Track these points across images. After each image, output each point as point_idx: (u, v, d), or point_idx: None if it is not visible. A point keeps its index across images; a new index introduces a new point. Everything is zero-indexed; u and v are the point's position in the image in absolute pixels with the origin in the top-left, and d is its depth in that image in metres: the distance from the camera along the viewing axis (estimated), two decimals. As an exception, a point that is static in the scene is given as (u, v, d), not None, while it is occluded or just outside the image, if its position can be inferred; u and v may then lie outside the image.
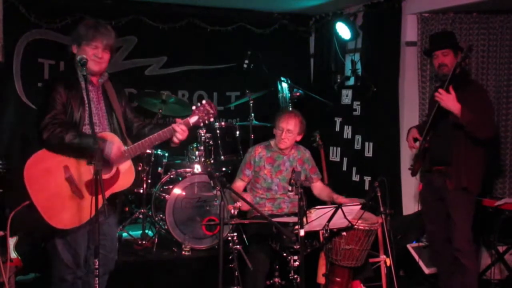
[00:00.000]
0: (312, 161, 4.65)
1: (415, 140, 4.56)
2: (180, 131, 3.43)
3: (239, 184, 4.51)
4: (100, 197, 2.99)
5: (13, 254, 3.91)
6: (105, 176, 3.26)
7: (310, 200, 4.70)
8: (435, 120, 4.25)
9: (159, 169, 5.54)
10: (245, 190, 4.54)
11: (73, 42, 3.39)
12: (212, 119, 3.54)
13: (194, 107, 3.51)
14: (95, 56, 3.34)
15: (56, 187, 3.22)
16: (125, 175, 3.40)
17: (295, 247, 3.74)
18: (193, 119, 3.48)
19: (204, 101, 3.52)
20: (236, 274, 3.80)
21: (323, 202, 4.55)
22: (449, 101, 4.03)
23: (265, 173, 4.44)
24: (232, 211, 3.81)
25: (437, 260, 4.69)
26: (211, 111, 3.51)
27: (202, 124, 3.52)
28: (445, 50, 4.25)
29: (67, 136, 3.19)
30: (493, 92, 5.34)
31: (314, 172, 4.63)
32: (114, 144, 3.28)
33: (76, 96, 3.31)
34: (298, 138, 4.48)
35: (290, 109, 5.83)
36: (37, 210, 3.18)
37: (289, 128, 4.38)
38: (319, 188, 4.64)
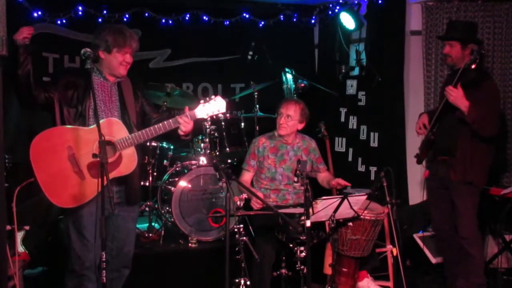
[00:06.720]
0: (318, 151, 4.63)
1: (424, 126, 4.52)
2: (183, 122, 3.44)
3: (246, 177, 4.50)
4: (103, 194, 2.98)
5: (20, 248, 3.93)
6: (108, 160, 3.23)
7: (315, 191, 4.71)
8: (442, 113, 4.22)
9: (165, 161, 5.54)
10: (251, 183, 4.54)
11: (99, 48, 3.42)
12: (220, 114, 3.55)
13: (202, 101, 3.49)
14: (125, 62, 3.44)
15: (59, 165, 3.26)
16: (127, 160, 3.41)
17: (301, 238, 3.74)
18: (199, 114, 3.47)
19: (213, 96, 3.51)
20: (243, 265, 3.80)
21: (329, 192, 4.55)
22: (457, 98, 4.01)
23: (269, 163, 4.43)
24: (238, 202, 3.81)
25: (443, 249, 4.68)
26: (221, 104, 3.50)
27: (208, 118, 3.51)
28: (452, 41, 4.21)
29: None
30: (499, 80, 5.31)
31: (320, 162, 4.61)
32: None
33: (81, 84, 3.36)
34: (300, 126, 4.47)
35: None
36: (40, 187, 3.22)
37: (289, 114, 4.37)
38: (323, 177, 4.60)
